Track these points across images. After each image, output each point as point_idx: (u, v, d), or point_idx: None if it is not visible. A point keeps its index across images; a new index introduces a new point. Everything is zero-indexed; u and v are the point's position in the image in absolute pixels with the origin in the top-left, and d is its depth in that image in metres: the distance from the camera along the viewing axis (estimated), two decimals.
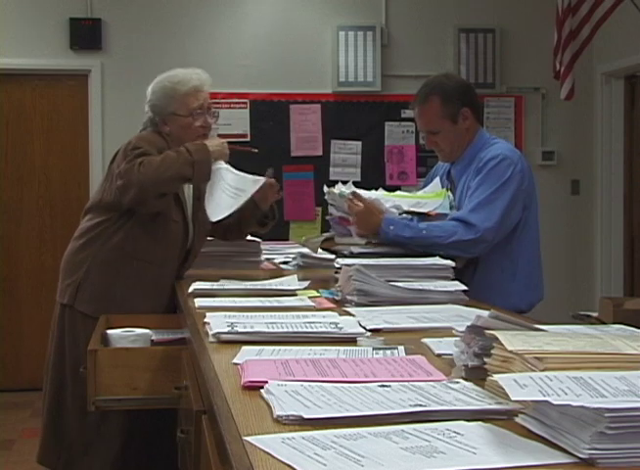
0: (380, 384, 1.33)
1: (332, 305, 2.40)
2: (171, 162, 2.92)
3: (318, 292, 2.65)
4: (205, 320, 2.01)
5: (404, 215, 2.96)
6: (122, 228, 3.04)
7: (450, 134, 3.02)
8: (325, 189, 3.18)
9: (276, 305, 2.35)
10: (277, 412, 1.20)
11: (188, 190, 3.19)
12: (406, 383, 1.35)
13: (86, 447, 2.96)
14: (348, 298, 2.42)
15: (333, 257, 3.06)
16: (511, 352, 1.25)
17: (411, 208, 3.01)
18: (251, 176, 3.03)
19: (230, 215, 3.01)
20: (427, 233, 2.85)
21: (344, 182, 3.23)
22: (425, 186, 3.32)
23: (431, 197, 3.12)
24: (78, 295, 3.02)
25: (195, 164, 2.94)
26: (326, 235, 3.31)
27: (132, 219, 3.03)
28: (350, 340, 1.84)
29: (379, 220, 2.90)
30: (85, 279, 3.03)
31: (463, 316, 2.11)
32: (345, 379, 1.40)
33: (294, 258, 3.56)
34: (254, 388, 1.37)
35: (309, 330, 1.87)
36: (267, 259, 3.61)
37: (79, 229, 3.14)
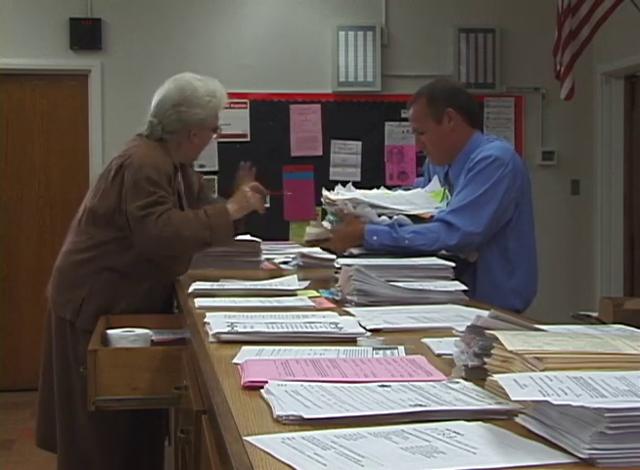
0: (380, 384, 1.33)
1: (332, 305, 2.40)
2: (189, 225, 2.91)
3: (318, 292, 2.65)
4: (205, 320, 2.01)
5: (384, 218, 2.95)
6: (129, 250, 2.99)
7: (434, 134, 3.04)
8: (323, 193, 3.18)
9: (276, 305, 2.35)
10: (277, 412, 1.20)
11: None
12: (406, 383, 1.35)
13: (101, 451, 2.95)
14: (348, 298, 2.42)
15: (333, 257, 3.07)
16: (511, 352, 1.25)
17: (403, 208, 3.00)
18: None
19: None
20: (409, 243, 2.86)
21: (344, 184, 3.24)
22: (420, 183, 3.35)
23: (431, 196, 3.12)
24: (81, 312, 2.97)
25: (213, 229, 2.94)
26: (326, 232, 3.30)
27: None
28: (350, 340, 1.84)
29: (359, 231, 2.92)
30: (89, 297, 2.98)
31: (463, 316, 2.10)
32: (345, 379, 1.40)
33: (294, 258, 3.56)
34: (254, 388, 1.37)
35: (309, 330, 1.87)
36: (267, 259, 3.61)
37: (76, 242, 3.04)
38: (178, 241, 2.92)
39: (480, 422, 1.15)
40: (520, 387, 1.08)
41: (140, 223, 2.89)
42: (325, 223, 3.20)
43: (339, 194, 3.12)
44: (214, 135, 3.17)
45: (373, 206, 2.99)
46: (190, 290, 2.62)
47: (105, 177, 3.03)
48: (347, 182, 3.25)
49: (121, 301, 3.01)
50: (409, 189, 3.32)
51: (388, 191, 3.24)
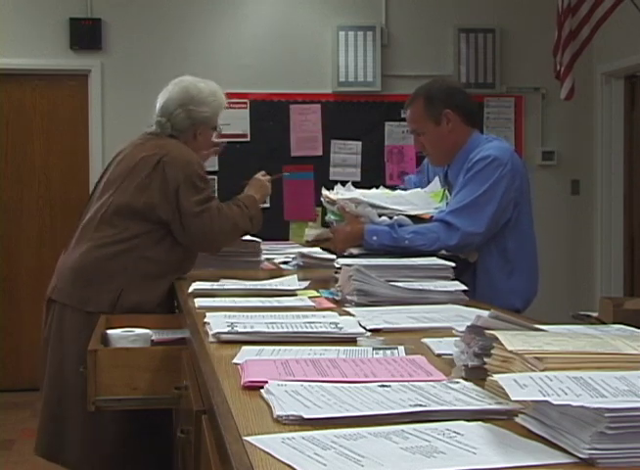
0: (380, 384, 1.33)
1: (332, 305, 2.40)
2: (240, 217, 3.11)
3: (318, 292, 2.65)
4: (205, 320, 2.01)
5: (384, 219, 2.95)
6: (159, 243, 3.05)
7: (433, 135, 3.04)
8: (323, 193, 3.19)
9: (276, 305, 2.35)
10: (277, 412, 1.20)
11: None
12: (406, 383, 1.35)
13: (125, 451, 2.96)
14: (348, 298, 2.42)
15: (333, 257, 3.07)
16: (511, 352, 1.25)
17: (403, 208, 3.00)
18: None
19: None
20: (409, 243, 2.86)
21: (343, 183, 3.24)
22: (411, 181, 3.36)
23: (430, 197, 3.12)
24: (119, 303, 2.96)
25: (253, 219, 3.16)
26: (325, 232, 3.31)
27: (171, 236, 3.07)
28: (350, 340, 1.84)
29: (360, 231, 2.92)
30: (127, 287, 2.98)
31: (463, 316, 2.10)
32: (345, 379, 1.40)
33: (294, 258, 3.56)
34: (254, 388, 1.37)
35: (309, 330, 1.87)
36: (267, 259, 3.61)
37: (104, 237, 3.04)
38: (235, 233, 3.14)
39: (480, 422, 1.15)
40: (520, 387, 1.08)
41: (197, 218, 3.02)
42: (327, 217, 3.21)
43: (338, 193, 3.13)
44: (214, 134, 3.31)
45: (373, 206, 2.99)
46: (190, 290, 2.62)
47: (135, 173, 3.07)
48: (347, 182, 3.25)
49: (155, 292, 3.03)
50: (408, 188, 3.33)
51: (388, 191, 3.24)
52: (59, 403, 3.01)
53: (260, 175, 3.36)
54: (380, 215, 2.96)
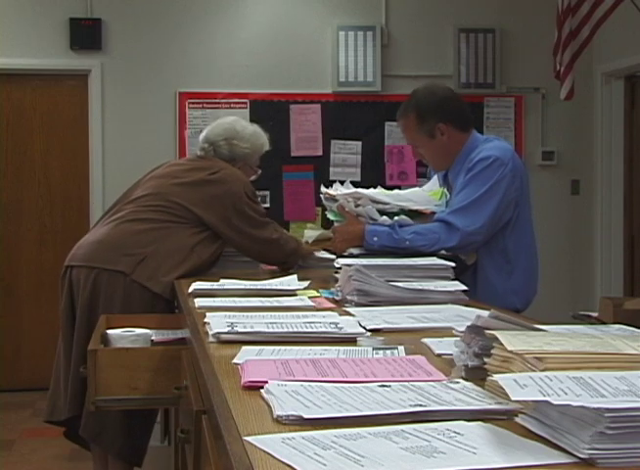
0: (380, 384, 1.33)
1: (332, 305, 2.40)
2: (289, 242, 3.38)
3: (318, 292, 2.65)
4: (206, 320, 2.01)
5: (385, 219, 2.94)
6: (197, 236, 3.22)
7: (430, 148, 3.06)
8: (322, 190, 3.19)
9: (276, 305, 2.35)
10: (277, 412, 1.20)
11: None
12: (406, 383, 1.35)
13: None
14: (348, 298, 2.42)
15: (333, 257, 3.06)
16: (511, 352, 1.25)
17: (403, 204, 3.00)
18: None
19: None
20: (410, 244, 2.86)
21: (342, 182, 3.23)
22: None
23: (429, 195, 3.12)
24: (139, 267, 3.10)
25: (291, 255, 3.37)
26: (325, 233, 3.31)
27: (205, 233, 3.24)
28: (350, 340, 1.84)
29: (360, 231, 2.91)
30: (151, 257, 3.12)
31: (463, 316, 2.11)
32: (345, 379, 1.40)
33: None
34: (254, 388, 1.37)
35: (309, 330, 1.87)
36: None
37: (141, 216, 3.20)
38: (281, 250, 3.33)
39: (479, 422, 1.15)
40: (520, 387, 1.08)
41: (262, 226, 3.29)
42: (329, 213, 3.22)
43: (337, 190, 3.13)
44: (253, 176, 3.52)
45: (373, 200, 2.99)
46: (190, 290, 2.62)
47: (187, 174, 3.31)
48: (345, 181, 3.25)
49: (175, 272, 3.12)
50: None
51: (385, 190, 3.24)
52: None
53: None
54: (381, 214, 2.96)
